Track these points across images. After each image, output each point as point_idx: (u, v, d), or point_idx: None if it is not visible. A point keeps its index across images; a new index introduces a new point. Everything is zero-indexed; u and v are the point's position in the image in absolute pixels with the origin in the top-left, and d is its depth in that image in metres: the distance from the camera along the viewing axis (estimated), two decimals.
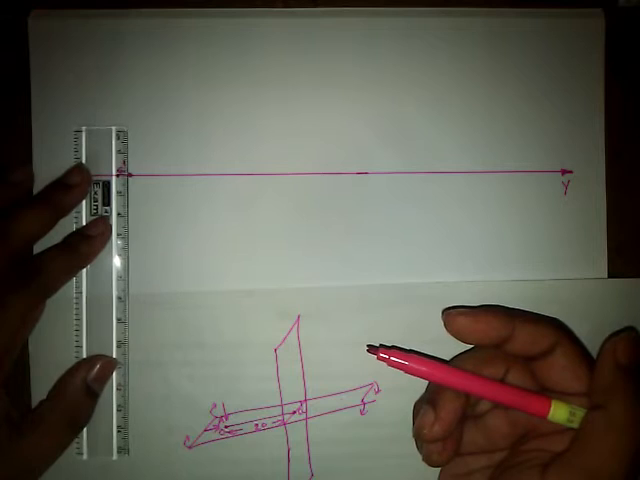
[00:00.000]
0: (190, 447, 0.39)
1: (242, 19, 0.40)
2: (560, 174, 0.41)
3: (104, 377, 0.38)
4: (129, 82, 0.39)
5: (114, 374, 0.39)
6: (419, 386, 0.38)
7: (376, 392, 0.40)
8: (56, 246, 0.37)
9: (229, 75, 0.40)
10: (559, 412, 0.33)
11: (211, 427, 0.39)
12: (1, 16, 0.39)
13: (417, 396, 0.38)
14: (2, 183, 0.38)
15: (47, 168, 0.39)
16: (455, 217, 0.41)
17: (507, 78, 0.41)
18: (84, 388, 0.37)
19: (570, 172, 0.41)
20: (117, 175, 0.39)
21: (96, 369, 0.38)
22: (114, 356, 0.39)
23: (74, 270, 0.38)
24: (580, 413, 0.32)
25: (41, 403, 0.36)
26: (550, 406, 0.33)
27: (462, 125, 0.41)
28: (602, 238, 0.41)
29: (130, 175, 0.39)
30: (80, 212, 0.39)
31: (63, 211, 0.37)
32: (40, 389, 0.37)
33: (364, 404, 0.40)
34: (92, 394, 0.38)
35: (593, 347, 0.40)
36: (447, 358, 0.39)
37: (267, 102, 0.40)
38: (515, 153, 0.41)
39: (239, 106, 0.40)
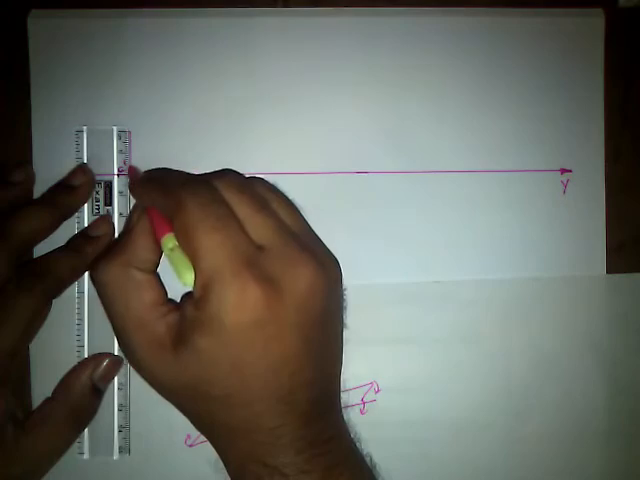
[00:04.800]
0: (191, 446, 0.40)
1: (242, 19, 0.40)
2: (559, 173, 0.41)
3: (110, 375, 0.38)
4: (129, 82, 0.39)
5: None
6: (419, 386, 0.38)
7: (376, 392, 0.40)
8: (60, 248, 0.37)
9: (229, 75, 0.40)
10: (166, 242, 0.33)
11: None
12: (1, 16, 0.39)
13: (417, 396, 0.39)
14: (2, 183, 0.37)
15: (48, 168, 0.39)
16: (455, 216, 0.41)
17: (507, 78, 0.41)
18: (90, 386, 0.37)
19: (569, 171, 0.41)
20: (118, 175, 0.39)
21: (102, 367, 0.38)
22: None
23: (79, 271, 0.37)
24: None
25: (46, 401, 0.36)
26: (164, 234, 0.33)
27: (462, 124, 0.41)
28: (601, 236, 0.41)
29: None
30: (82, 212, 0.39)
31: (67, 212, 0.37)
32: (41, 389, 0.37)
33: (364, 403, 0.40)
34: (98, 392, 0.37)
35: (593, 344, 0.40)
36: (448, 358, 0.39)
37: (267, 102, 0.40)
38: (514, 152, 0.41)
39: (239, 106, 0.40)
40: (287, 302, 0.31)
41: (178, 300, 0.34)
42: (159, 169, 0.37)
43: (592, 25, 0.41)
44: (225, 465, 0.34)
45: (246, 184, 0.34)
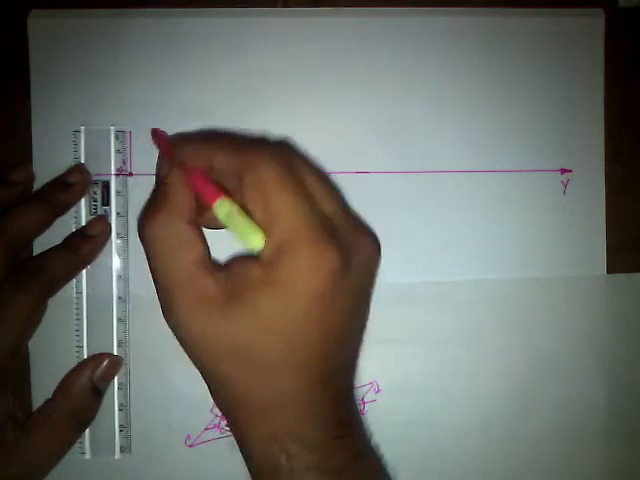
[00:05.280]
0: (191, 446, 0.40)
1: (242, 19, 0.40)
2: (559, 173, 0.41)
3: (110, 376, 0.38)
4: (129, 82, 0.39)
5: None
6: (419, 386, 0.38)
7: (376, 392, 0.40)
8: (56, 247, 0.37)
9: (229, 75, 0.40)
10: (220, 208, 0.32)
11: (212, 426, 0.39)
12: (1, 16, 0.39)
13: (417, 396, 0.39)
14: (2, 182, 0.38)
15: (47, 168, 0.38)
16: (455, 216, 0.41)
17: (506, 78, 0.41)
18: (90, 387, 0.37)
19: (569, 171, 0.41)
20: (117, 175, 0.39)
21: (102, 367, 0.38)
22: None
23: (75, 270, 0.38)
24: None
25: (46, 402, 0.37)
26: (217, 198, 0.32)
27: (462, 124, 0.41)
28: (601, 236, 0.41)
29: (130, 174, 0.39)
30: (79, 212, 0.39)
31: (61, 209, 0.37)
32: (41, 390, 0.37)
33: (364, 403, 0.40)
34: (98, 392, 0.38)
35: (594, 344, 0.40)
36: (448, 358, 0.39)
37: (267, 102, 0.40)
38: (514, 152, 0.41)
39: (239, 106, 0.40)
40: (353, 273, 0.31)
41: None
42: (213, 130, 0.38)
43: (592, 25, 0.41)
44: (246, 446, 0.32)
45: (307, 157, 0.35)
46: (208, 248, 0.33)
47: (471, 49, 0.41)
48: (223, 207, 0.31)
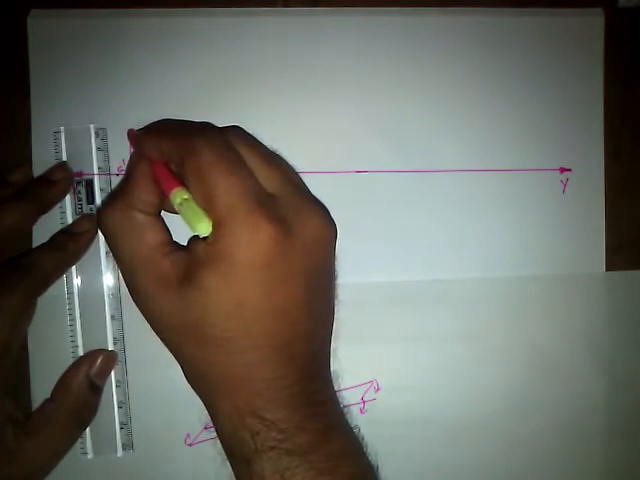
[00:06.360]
0: (191, 445, 0.40)
1: (242, 19, 0.40)
2: (559, 172, 0.41)
3: (106, 371, 0.38)
4: (130, 82, 0.39)
5: (112, 371, 0.39)
6: (419, 385, 0.38)
7: (376, 390, 0.40)
8: (43, 245, 0.37)
9: (228, 74, 0.40)
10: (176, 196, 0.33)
11: (211, 425, 0.39)
12: (1, 16, 0.39)
13: (417, 395, 0.39)
14: (0, 183, 0.38)
15: (46, 168, 0.38)
16: (454, 215, 0.41)
17: (506, 77, 0.41)
18: (88, 384, 0.37)
19: (569, 170, 0.41)
20: (117, 174, 0.39)
21: (98, 363, 0.38)
22: None
23: (63, 268, 0.38)
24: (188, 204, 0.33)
25: (45, 402, 0.37)
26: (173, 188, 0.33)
27: (461, 124, 0.41)
28: (600, 235, 0.41)
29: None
30: (65, 211, 0.39)
31: (44, 205, 0.37)
32: (40, 391, 0.37)
33: (364, 402, 0.40)
34: (96, 389, 0.38)
35: (593, 341, 0.40)
36: (448, 356, 0.40)
37: (266, 101, 0.40)
38: (514, 151, 0.41)
39: (238, 105, 0.40)
40: (296, 245, 0.32)
41: None
42: (164, 120, 0.38)
43: (592, 25, 0.41)
44: (217, 423, 0.33)
45: (255, 139, 0.35)
46: (168, 231, 0.35)
47: (471, 49, 0.41)
48: (177, 196, 0.33)
